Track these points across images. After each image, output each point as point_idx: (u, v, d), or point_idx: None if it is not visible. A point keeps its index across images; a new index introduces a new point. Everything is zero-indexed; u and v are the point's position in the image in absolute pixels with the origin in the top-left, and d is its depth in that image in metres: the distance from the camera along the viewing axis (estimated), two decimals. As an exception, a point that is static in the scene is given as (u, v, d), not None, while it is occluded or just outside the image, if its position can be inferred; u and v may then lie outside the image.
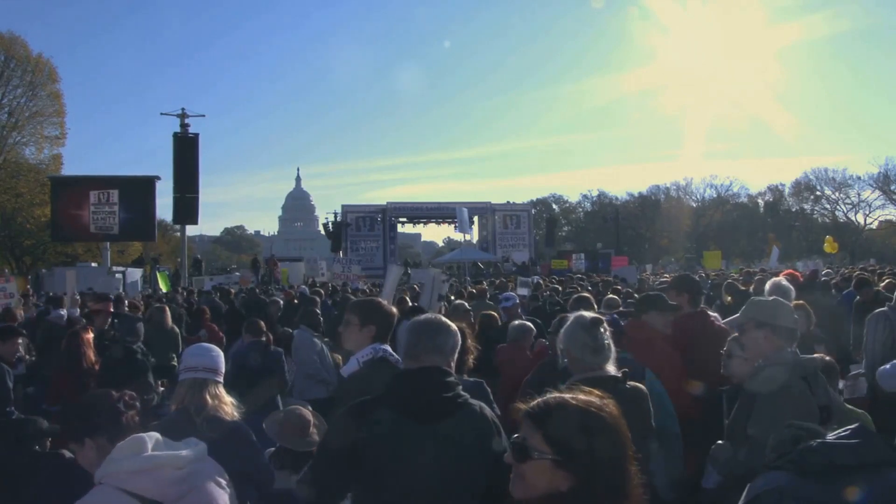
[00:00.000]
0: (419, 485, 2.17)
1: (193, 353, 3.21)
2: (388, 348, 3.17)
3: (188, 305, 12.62)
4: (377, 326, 3.17)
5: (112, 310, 7.59)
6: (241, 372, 5.84)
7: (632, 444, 1.65)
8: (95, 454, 2.36)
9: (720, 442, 3.11)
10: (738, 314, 3.32)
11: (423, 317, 2.61)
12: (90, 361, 5.70)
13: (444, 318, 2.56)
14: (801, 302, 5.78)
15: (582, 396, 1.67)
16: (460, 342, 2.55)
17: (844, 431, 1.90)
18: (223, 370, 3.21)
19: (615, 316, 4.19)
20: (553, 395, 1.69)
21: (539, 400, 1.68)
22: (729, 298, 8.58)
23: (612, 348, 2.99)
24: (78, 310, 8.46)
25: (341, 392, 3.59)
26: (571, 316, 3.18)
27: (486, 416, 2.36)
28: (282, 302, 11.31)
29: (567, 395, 1.68)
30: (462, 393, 2.37)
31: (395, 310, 3.44)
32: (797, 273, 10.87)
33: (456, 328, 2.54)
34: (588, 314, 3.11)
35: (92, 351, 5.82)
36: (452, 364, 2.47)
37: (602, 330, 2.97)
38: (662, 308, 4.40)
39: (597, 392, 1.71)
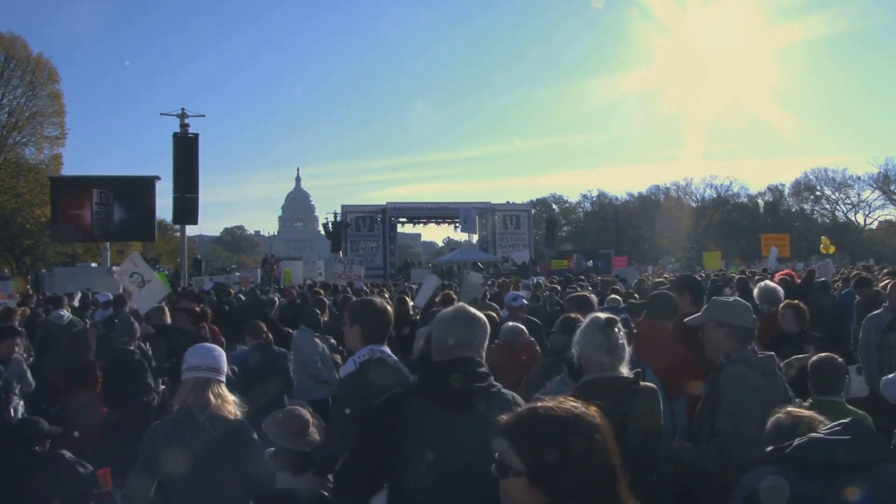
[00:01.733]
0: (453, 474, 2.19)
1: (196, 352, 3.22)
2: (386, 350, 3.17)
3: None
4: (361, 326, 3.20)
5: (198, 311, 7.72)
6: (243, 373, 5.84)
7: (618, 457, 1.55)
8: None
9: (678, 440, 3.17)
10: (699, 313, 3.40)
11: (451, 309, 2.59)
12: (89, 363, 5.70)
13: (472, 310, 2.55)
14: (794, 301, 5.80)
15: (558, 406, 1.57)
16: (488, 332, 2.54)
17: (836, 426, 1.91)
18: (225, 369, 3.23)
19: (626, 315, 4.20)
20: (527, 407, 1.62)
21: (513, 413, 1.61)
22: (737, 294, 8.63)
23: (627, 349, 2.99)
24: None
25: (339, 393, 3.62)
26: (575, 316, 3.20)
27: (518, 405, 2.36)
28: (278, 301, 11.30)
29: (540, 406, 1.58)
30: (494, 383, 2.38)
31: (388, 309, 3.41)
32: (794, 273, 10.91)
33: (485, 319, 2.54)
34: (603, 315, 3.11)
35: (91, 352, 5.82)
36: (482, 354, 2.48)
37: (617, 330, 2.97)
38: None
39: (573, 401, 1.61)
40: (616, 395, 2.74)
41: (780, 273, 10.90)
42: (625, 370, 2.95)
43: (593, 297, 6.20)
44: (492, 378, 2.40)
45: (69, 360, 5.79)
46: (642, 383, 2.97)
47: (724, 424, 2.91)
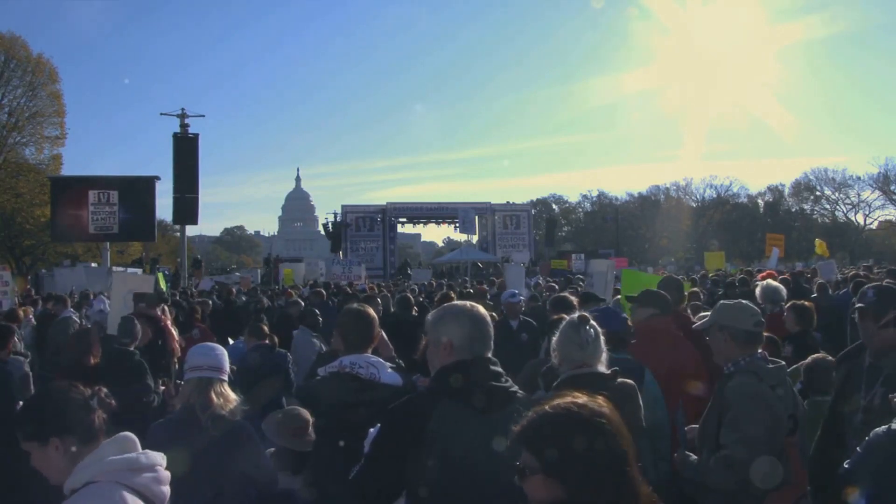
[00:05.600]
0: (481, 475, 2.17)
1: (198, 352, 3.24)
2: (358, 362, 3.17)
3: (187, 305, 12.57)
4: (341, 334, 3.32)
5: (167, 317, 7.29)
6: (242, 373, 5.84)
7: (632, 445, 1.62)
8: (62, 457, 2.09)
9: (681, 451, 3.12)
10: (707, 316, 3.36)
11: (462, 307, 2.51)
12: (93, 364, 5.69)
13: (482, 309, 2.52)
14: (800, 302, 5.82)
15: (564, 401, 1.66)
16: None
17: None
18: (227, 369, 3.24)
19: (624, 315, 4.20)
20: (535, 408, 1.69)
21: (524, 419, 1.68)
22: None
23: (601, 346, 3.02)
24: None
25: (299, 392, 3.65)
26: (558, 316, 3.22)
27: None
28: (303, 304, 11.29)
29: (547, 405, 1.67)
30: (513, 383, 2.38)
31: (369, 316, 3.42)
32: (774, 273, 10.90)
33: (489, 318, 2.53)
34: (577, 314, 3.17)
35: (90, 354, 5.81)
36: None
37: (587, 327, 3.02)
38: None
39: (583, 394, 1.69)
40: (593, 390, 2.74)
41: (762, 274, 10.86)
42: (602, 367, 2.98)
43: (572, 297, 6.28)
44: (508, 379, 2.39)
45: (72, 361, 5.78)
46: (620, 380, 2.99)
47: (729, 439, 2.82)
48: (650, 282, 6.48)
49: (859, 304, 3.11)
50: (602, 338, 3.04)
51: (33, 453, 2.13)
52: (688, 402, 3.61)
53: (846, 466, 1.85)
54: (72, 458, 2.06)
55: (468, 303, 2.58)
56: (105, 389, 2.28)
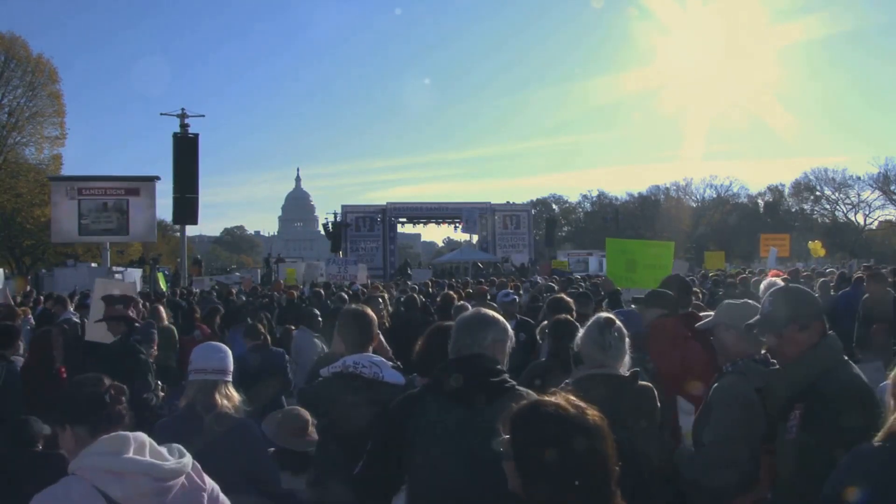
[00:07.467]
0: (469, 467, 2.22)
1: (202, 354, 3.22)
2: (361, 361, 3.19)
3: (187, 305, 12.59)
4: (342, 335, 3.38)
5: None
6: (241, 375, 5.84)
7: (613, 461, 1.61)
8: (74, 443, 2.22)
9: (682, 447, 3.16)
10: (710, 316, 3.35)
11: (468, 313, 2.67)
12: (57, 363, 5.69)
13: (489, 313, 2.62)
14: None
15: (558, 403, 1.66)
16: (510, 336, 2.59)
17: None
18: (231, 369, 3.24)
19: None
20: (531, 400, 1.76)
21: (517, 405, 1.75)
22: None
23: (624, 349, 3.01)
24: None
25: (302, 394, 3.76)
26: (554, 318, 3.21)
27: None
28: (347, 297, 11.25)
29: (542, 401, 1.70)
30: (509, 379, 2.44)
31: (367, 316, 3.46)
32: (781, 273, 10.91)
33: (503, 323, 2.60)
34: (605, 314, 3.19)
35: (60, 353, 5.81)
36: (501, 356, 2.52)
37: (612, 330, 3.01)
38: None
39: (576, 400, 1.69)
40: (609, 391, 2.76)
41: (772, 273, 10.86)
42: (622, 369, 2.98)
43: (568, 298, 6.34)
44: (506, 374, 2.46)
45: (39, 361, 5.79)
46: (640, 383, 2.99)
47: (707, 438, 2.87)
48: (638, 251, 6.36)
49: (756, 317, 2.79)
50: (626, 341, 3.04)
51: (59, 436, 2.32)
52: (693, 402, 3.60)
53: (835, 473, 1.84)
54: (82, 446, 2.12)
55: (478, 308, 2.72)
56: (118, 383, 2.39)
